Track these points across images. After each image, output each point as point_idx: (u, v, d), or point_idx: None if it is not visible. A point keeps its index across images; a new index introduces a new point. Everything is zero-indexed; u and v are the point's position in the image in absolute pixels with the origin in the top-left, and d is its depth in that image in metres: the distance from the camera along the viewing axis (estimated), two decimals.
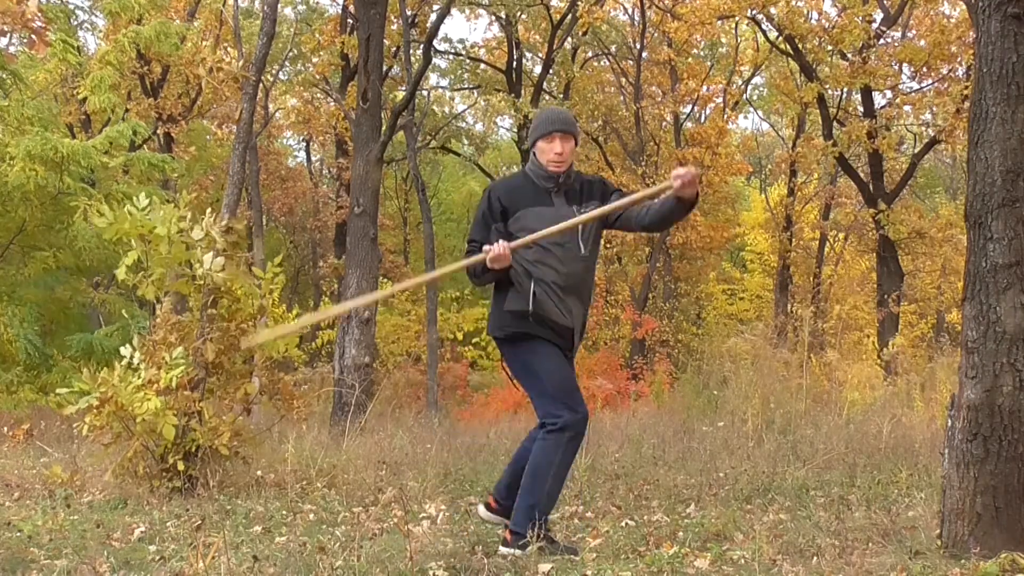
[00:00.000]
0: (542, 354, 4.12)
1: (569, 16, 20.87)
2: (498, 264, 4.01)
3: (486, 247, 4.03)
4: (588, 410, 4.16)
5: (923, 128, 21.68)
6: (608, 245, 25.06)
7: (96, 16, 18.21)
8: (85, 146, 10.96)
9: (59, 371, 10.85)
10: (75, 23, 15.30)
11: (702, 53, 25.96)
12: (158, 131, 19.99)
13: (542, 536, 4.00)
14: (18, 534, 4.53)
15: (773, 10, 18.47)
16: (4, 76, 11.64)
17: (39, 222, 11.46)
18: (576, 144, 4.28)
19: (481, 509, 4.50)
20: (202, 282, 5.97)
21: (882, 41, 18.67)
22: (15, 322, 10.75)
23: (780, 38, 19.81)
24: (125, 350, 6.05)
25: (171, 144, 20.28)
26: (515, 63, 23.12)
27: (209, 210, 6.28)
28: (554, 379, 4.10)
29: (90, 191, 11.25)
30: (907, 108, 20.12)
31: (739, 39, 24.94)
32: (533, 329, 4.11)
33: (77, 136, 15.80)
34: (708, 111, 26.48)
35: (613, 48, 24.77)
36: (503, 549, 4.05)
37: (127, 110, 18.53)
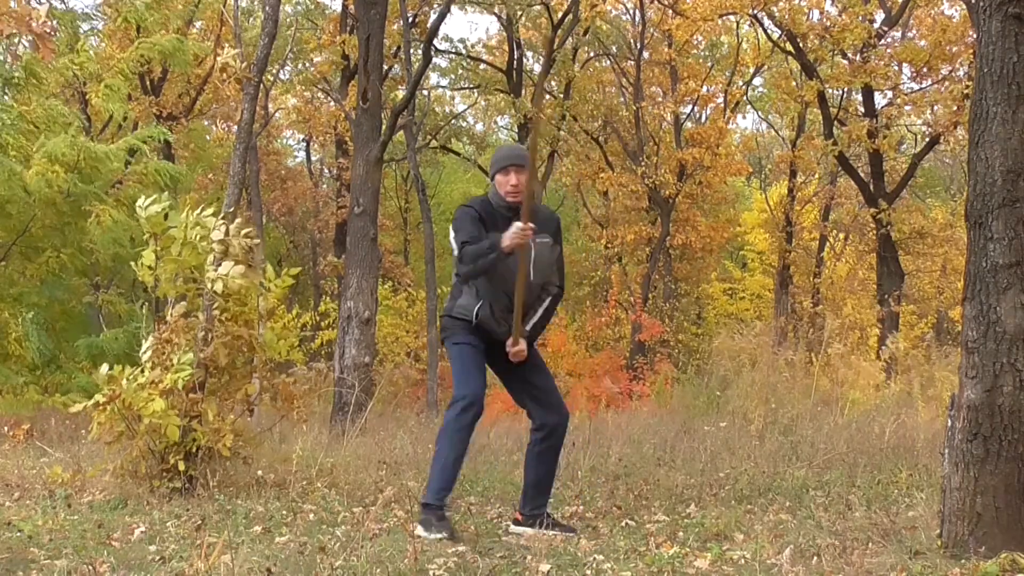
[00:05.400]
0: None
1: (570, 16, 20.85)
2: (520, 240, 4.48)
3: (507, 233, 4.49)
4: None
5: (924, 128, 21.68)
6: (608, 245, 25.04)
7: (99, 21, 18.14)
8: (110, 150, 10.96)
9: (65, 372, 10.83)
10: (84, 32, 15.26)
11: (703, 54, 25.96)
12: None
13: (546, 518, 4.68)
14: (18, 534, 4.53)
15: (775, 9, 18.47)
16: (17, 77, 11.52)
17: (45, 223, 11.43)
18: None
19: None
20: (210, 285, 5.94)
21: (883, 41, 18.68)
22: (26, 320, 10.70)
23: (781, 36, 19.81)
24: (144, 345, 6.00)
25: (171, 145, 20.22)
26: (515, 63, 23.11)
27: (239, 219, 6.23)
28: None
29: (100, 195, 11.24)
30: (907, 108, 20.11)
31: (740, 39, 24.92)
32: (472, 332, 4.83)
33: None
34: (708, 111, 26.49)
35: (614, 48, 24.75)
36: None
37: (128, 111, 18.49)
